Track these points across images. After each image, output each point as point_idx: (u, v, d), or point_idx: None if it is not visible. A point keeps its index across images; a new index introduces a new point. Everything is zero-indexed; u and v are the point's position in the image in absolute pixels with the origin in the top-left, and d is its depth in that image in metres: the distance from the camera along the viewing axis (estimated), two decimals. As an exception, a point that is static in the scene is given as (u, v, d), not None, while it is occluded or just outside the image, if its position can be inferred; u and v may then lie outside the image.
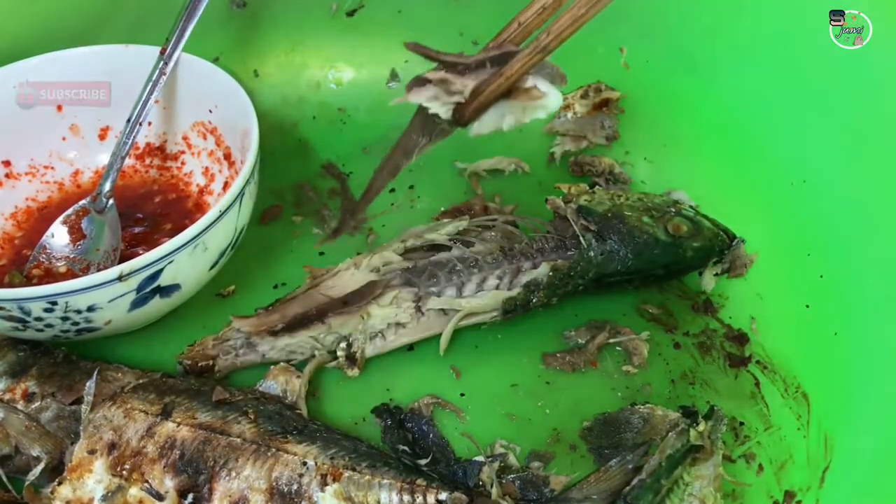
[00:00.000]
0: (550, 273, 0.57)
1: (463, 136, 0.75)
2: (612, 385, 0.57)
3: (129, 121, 0.60)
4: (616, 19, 0.69)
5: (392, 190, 0.71)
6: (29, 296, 0.46)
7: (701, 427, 0.50)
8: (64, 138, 0.64)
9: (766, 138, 0.63)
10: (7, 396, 0.51)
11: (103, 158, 0.63)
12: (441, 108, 0.46)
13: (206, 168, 0.64)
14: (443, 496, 0.47)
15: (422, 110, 0.48)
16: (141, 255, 0.48)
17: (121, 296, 0.49)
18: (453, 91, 0.46)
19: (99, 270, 0.47)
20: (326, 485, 0.47)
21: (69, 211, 0.60)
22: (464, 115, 0.46)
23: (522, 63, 0.44)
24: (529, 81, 0.46)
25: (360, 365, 0.57)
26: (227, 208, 0.51)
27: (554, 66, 0.47)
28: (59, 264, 0.58)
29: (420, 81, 0.46)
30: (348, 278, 0.58)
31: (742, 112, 0.65)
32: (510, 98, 0.46)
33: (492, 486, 0.50)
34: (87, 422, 0.49)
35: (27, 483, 0.47)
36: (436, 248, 0.60)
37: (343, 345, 0.57)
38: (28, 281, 0.56)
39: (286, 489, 0.46)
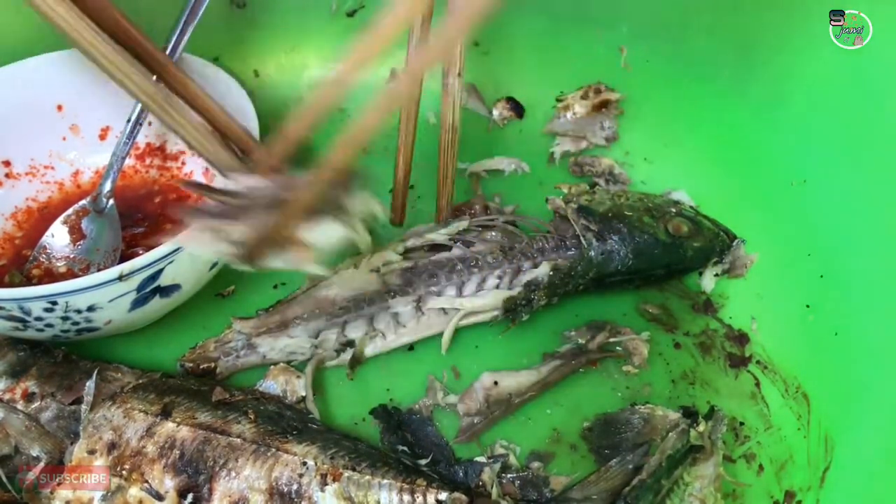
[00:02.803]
0: (551, 273, 0.57)
1: (463, 136, 0.76)
2: (612, 385, 0.57)
3: (129, 121, 0.60)
4: (616, 19, 0.69)
5: (392, 190, 0.71)
6: (29, 295, 0.46)
7: (701, 427, 0.50)
8: (64, 138, 0.64)
9: (766, 138, 0.63)
10: (7, 396, 0.51)
11: (103, 158, 0.63)
12: (223, 252, 0.38)
13: (207, 168, 0.64)
14: (443, 496, 0.47)
15: None
16: (141, 255, 0.48)
17: (121, 295, 0.48)
18: (233, 240, 0.39)
19: (99, 270, 0.47)
20: (326, 485, 0.46)
21: (69, 211, 0.60)
22: (252, 258, 0.39)
23: (310, 194, 0.37)
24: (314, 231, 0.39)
25: (360, 360, 0.57)
26: (228, 208, 0.51)
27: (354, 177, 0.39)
28: (59, 264, 0.58)
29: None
30: (348, 278, 0.58)
31: (742, 112, 0.65)
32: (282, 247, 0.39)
33: (492, 486, 0.50)
34: (87, 422, 0.49)
35: (26, 482, 0.47)
36: (436, 247, 0.60)
37: (343, 341, 0.57)
38: (28, 281, 0.56)
39: (286, 489, 0.46)
